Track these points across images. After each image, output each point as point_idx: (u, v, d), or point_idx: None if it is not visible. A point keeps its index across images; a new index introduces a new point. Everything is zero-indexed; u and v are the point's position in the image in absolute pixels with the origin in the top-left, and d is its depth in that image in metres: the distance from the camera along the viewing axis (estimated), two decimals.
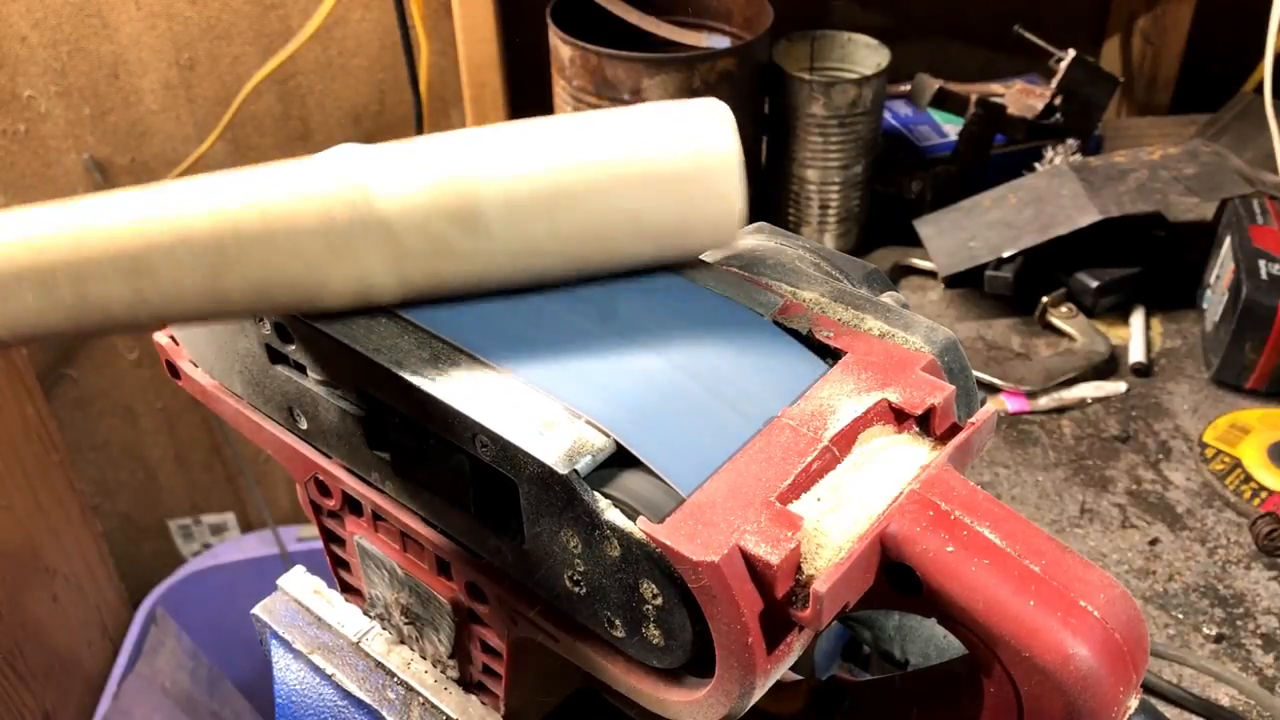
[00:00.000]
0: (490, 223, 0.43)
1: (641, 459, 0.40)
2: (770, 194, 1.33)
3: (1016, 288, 1.17)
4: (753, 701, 0.40)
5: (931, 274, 1.26)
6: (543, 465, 0.40)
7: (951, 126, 1.37)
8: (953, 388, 0.44)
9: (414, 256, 0.43)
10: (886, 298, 0.51)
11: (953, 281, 1.21)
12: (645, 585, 0.39)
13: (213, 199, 0.42)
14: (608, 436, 0.41)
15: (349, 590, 0.60)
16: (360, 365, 0.45)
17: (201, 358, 0.55)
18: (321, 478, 0.53)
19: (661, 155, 0.44)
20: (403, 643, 0.59)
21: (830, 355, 0.46)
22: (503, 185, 0.43)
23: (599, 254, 0.46)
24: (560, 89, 1.26)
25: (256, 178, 0.43)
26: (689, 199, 0.45)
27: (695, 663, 0.41)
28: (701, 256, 0.51)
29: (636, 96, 1.19)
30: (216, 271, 0.42)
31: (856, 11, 1.57)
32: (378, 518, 0.52)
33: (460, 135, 0.45)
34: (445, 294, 0.45)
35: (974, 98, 1.28)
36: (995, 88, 1.36)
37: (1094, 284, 1.18)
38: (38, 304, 0.41)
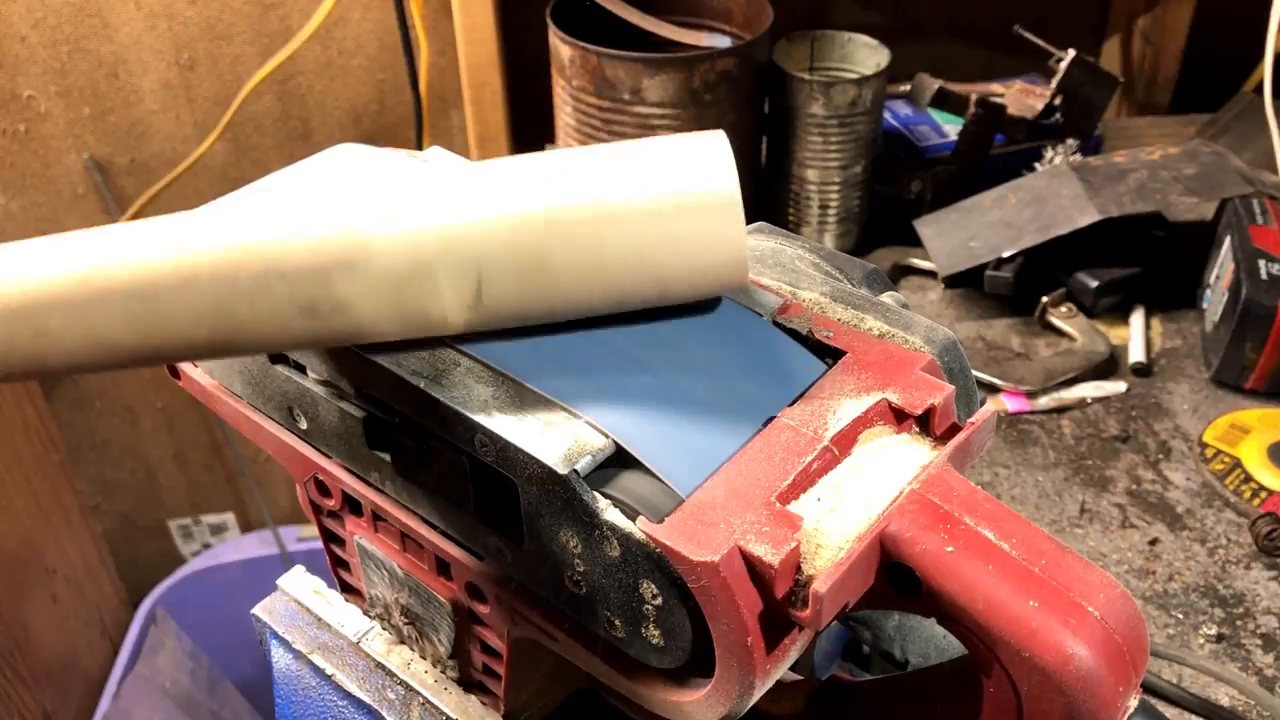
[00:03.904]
0: (482, 274, 0.42)
1: (641, 459, 0.40)
2: (770, 194, 1.33)
3: (1016, 288, 1.17)
4: (752, 701, 0.40)
5: (931, 274, 1.26)
6: (542, 465, 0.40)
7: (951, 126, 1.37)
8: (953, 388, 0.44)
9: (412, 300, 0.42)
10: (886, 298, 0.51)
11: (953, 281, 1.21)
12: (645, 585, 0.39)
13: (194, 241, 0.41)
14: (607, 437, 0.41)
15: (349, 590, 0.60)
16: (360, 365, 0.45)
17: None
18: (321, 478, 0.53)
19: (658, 204, 0.42)
20: (403, 643, 0.58)
21: (830, 355, 0.46)
22: (494, 230, 0.42)
23: (595, 301, 0.44)
24: (560, 89, 1.26)
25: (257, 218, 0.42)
26: (689, 248, 0.43)
27: (695, 663, 0.41)
28: None
29: (636, 96, 1.19)
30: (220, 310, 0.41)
31: (856, 11, 1.57)
32: (378, 518, 0.52)
33: (453, 172, 0.43)
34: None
35: (974, 98, 1.28)
36: (995, 88, 1.36)
37: (1094, 284, 1.18)
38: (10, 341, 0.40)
